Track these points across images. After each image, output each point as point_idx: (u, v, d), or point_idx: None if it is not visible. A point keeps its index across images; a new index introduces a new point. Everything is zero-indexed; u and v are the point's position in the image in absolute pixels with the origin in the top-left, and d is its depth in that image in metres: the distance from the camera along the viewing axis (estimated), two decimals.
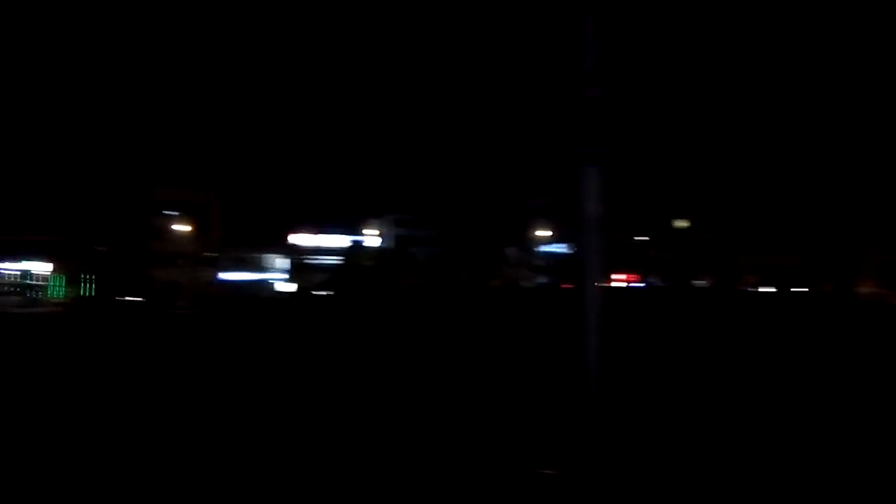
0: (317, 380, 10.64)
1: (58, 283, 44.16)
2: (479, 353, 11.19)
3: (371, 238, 53.57)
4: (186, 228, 46.53)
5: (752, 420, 7.13)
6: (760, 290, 36.26)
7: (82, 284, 43.57)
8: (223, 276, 46.99)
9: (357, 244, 52.73)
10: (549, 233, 50.08)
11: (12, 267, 45.91)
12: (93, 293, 42.75)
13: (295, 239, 52.01)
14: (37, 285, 44.33)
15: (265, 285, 48.29)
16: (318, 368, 11.70)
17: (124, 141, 45.55)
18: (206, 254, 46.59)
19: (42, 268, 44.44)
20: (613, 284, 33.76)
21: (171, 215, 46.24)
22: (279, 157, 49.99)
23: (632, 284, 41.52)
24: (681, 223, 48.10)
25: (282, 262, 51.03)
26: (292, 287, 49.21)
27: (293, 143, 52.34)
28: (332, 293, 44.33)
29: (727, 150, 41.58)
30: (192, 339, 19.56)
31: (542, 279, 46.92)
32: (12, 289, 44.64)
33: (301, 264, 51.31)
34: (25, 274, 44.87)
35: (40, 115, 44.58)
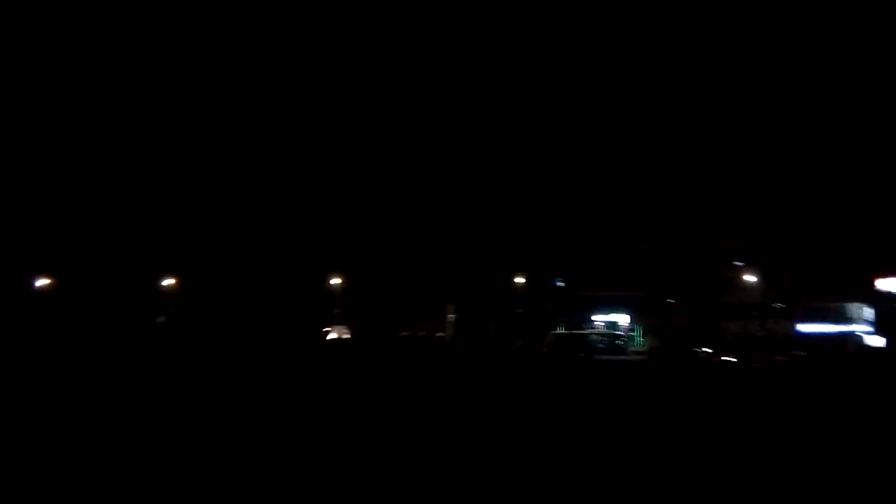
0: None
1: (638, 334, 48.57)
2: None
3: None
4: (754, 279, 45.49)
5: None
6: None
7: (659, 335, 46.70)
8: (802, 327, 43.96)
9: None
10: None
11: (601, 319, 52.26)
12: (669, 343, 45.35)
13: (884, 284, 44.94)
14: (621, 335, 49.30)
15: (851, 338, 43.11)
16: None
17: (686, 197, 47.71)
18: (777, 304, 44.70)
19: (624, 320, 49.43)
20: None
21: (738, 266, 46.13)
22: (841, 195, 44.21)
23: None
24: None
25: (870, 312, 44.70)
26: (881, 341, 42.52)
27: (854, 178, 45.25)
28: None
29: None
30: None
31: None
32: (600, 338, 50.61)
33: (892, 313, 43.99)
34: (611, 325, 50.46)
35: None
